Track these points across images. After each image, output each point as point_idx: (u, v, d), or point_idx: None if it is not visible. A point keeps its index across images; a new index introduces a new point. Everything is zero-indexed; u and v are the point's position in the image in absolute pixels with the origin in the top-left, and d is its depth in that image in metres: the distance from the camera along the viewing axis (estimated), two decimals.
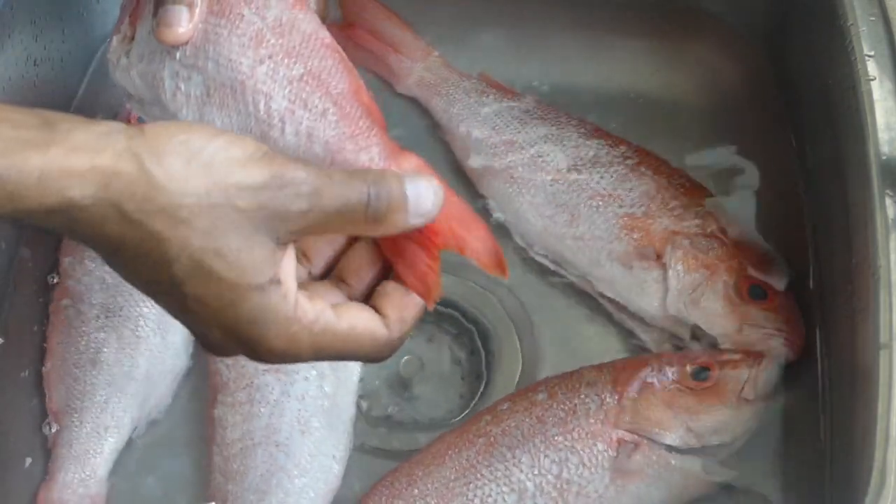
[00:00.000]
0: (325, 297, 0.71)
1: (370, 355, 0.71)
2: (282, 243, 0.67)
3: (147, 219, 0.64)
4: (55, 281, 1.12)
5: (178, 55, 0.77)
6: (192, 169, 0.64)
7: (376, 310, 0.71)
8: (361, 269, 0.73)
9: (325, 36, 0.78)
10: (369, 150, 0.74)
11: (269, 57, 0.76)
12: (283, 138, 0.74)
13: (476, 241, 0.74)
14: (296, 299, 0.68)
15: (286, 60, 0.76)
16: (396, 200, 0.68)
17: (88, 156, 0.63)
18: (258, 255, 0.65)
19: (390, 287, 0.73)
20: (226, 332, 0.68)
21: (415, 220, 0.69)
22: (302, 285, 0.70)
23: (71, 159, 0.62)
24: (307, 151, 0.74)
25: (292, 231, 0.66)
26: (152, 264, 0.65)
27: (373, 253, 0.73)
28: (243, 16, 0.77)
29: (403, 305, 0.72)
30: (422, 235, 0.72)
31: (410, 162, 0.74)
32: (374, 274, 0.73)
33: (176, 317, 0.70)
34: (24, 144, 0.62)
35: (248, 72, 0.75)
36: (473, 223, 0.74)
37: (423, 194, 0.69)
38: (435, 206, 0.70)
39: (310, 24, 0.78)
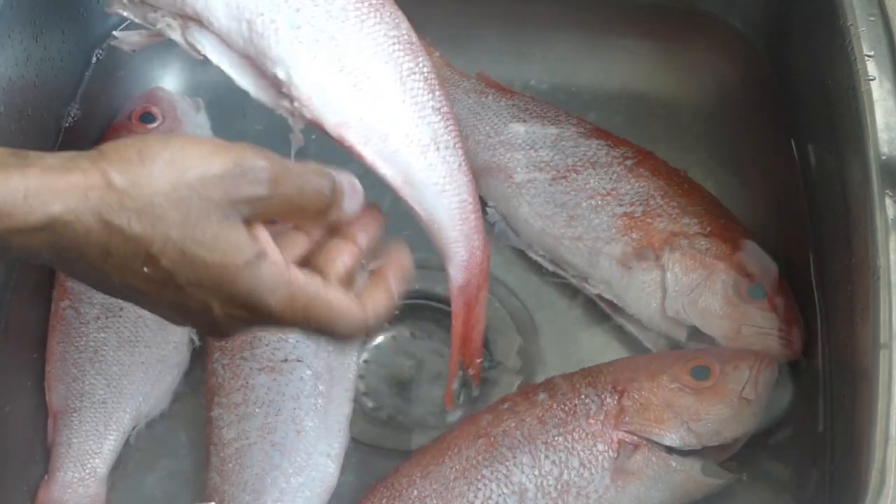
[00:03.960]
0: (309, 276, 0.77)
1: (346, 329, 0.77)
2: (254, 224, 0.73)
3: (126, 223, 0.69)
4: (55, 281, 1.12)
5: None
6: (155, 171, 0.70)
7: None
8: (334, 257, 0.79)
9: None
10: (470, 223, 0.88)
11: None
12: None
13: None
14: (287, 265, 0.74)
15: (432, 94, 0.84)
16: (338, 195, 0.77)
17: (63, 175, 0.69)
18: (234, 236, 0.72)
19: (364, 279, 0.79)
20: (225, 303, 0.73)
21: (347, 213, 0.78)
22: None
23: (49, 178, 0.68)
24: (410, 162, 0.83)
25: (258, 214, 0.73)
26: (141, 263, 0.71)
27: (341, 244, 0.79)
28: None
29: (378, 295, 0.78)
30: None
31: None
32: (348, 260, 0.79)
33: (176, 316, 0.76)
34: (4, 165, 0.68)
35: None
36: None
37: (350, 193, 0.78)
38: (357, 202, 0.78)
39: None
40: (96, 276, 0.72)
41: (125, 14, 0.83)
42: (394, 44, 0.83)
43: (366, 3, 0.82)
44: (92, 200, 0.69)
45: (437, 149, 0.84)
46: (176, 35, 0.82)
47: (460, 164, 0.87)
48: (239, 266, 0.72)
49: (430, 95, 0.84)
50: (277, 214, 0.75)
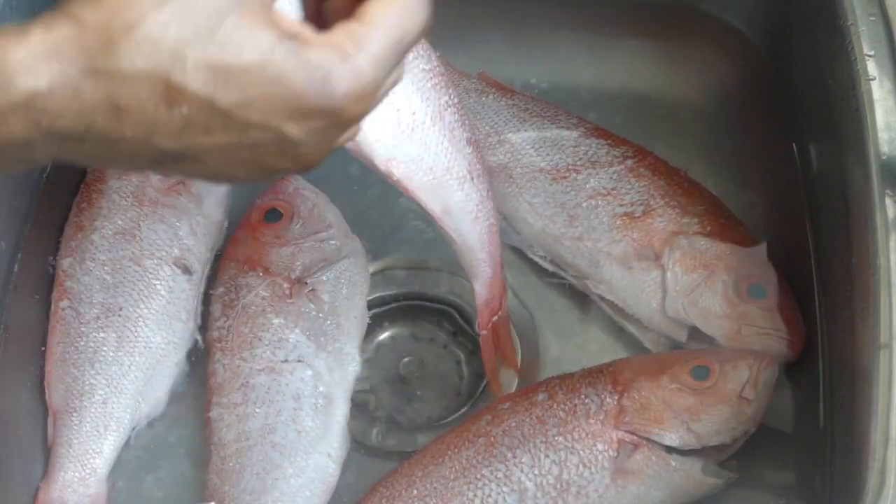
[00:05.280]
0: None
1: (422, 10, 0.62)
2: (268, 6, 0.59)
3: (126, 60, 0.56)
4: (55, 281, 1.12)
5: None
6: None
7: None
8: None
9: None
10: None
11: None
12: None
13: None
14: (328, 38, 0.60)
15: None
16: None
17: (20, 39, 0.56)
18: (259, 23, 0.58)
19: None
20: (294, 114, 0.59)
21: None
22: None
23: (9, 50, 0.56)
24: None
25: None
26: (168, 104, 0.57)
27: None
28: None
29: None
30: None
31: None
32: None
33: (255, 166, 0.62)
34: None
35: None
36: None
37: None
38: None
39: None
40: (123, 151, 0.59)
41: None
42: (430, 78, 0.84)
43: None
44: (67, 54, 0.55)
45: (472, 179, 0.88)
46: None
47: (488, 191, 0.91)
48: (283, 58, 0.58)
49: (463, 127, 0.87)
50: None
